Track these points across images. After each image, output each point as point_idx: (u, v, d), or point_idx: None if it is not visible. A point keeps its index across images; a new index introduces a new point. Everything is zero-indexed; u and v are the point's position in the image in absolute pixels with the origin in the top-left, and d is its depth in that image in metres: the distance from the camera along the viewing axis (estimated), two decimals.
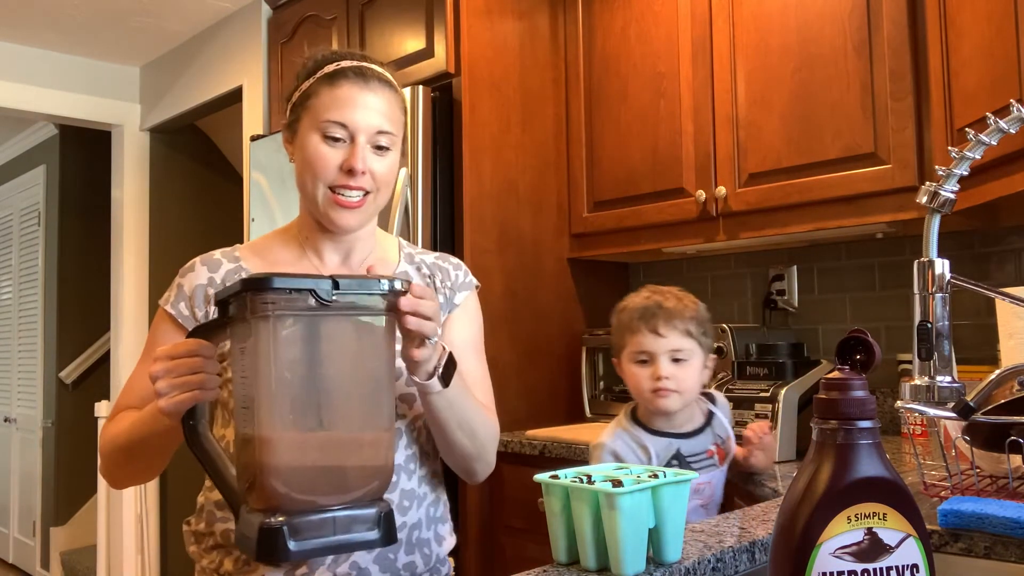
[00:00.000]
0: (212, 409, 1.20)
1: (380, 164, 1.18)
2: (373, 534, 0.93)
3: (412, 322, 0.93)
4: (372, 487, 0.94)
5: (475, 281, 1.36)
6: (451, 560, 1.30)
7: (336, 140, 1.16)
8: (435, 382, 1.07)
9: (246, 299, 0.89)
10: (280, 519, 0.87)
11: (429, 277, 1.30)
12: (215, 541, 1.19)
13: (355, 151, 1.15)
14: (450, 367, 1.08)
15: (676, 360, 1.54)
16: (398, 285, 0.95)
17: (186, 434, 0.99)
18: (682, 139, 2.35)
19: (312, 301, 0.88)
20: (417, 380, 1.07)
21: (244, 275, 1.21)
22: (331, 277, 0.90)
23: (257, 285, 0.87)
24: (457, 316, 1.30)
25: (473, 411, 1.18)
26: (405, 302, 0.93)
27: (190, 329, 1.18)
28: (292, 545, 0.87)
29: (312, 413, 0.91)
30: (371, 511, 0.93)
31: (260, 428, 0.88)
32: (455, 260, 1.36)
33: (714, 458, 1.61)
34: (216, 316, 0.96)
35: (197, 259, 1.25)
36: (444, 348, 1.09)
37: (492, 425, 1.25)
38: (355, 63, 1.19)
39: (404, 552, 1.17)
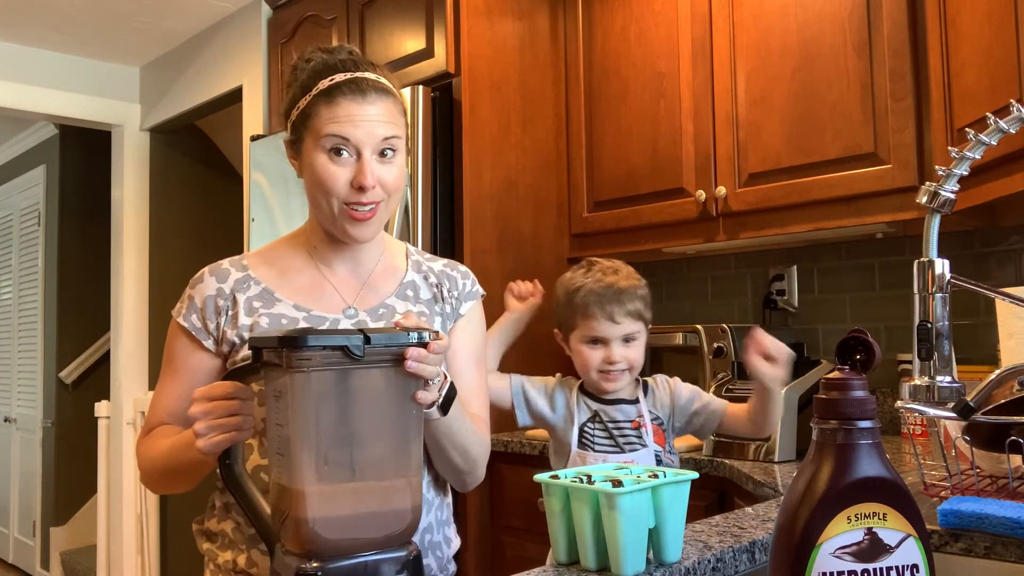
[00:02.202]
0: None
1: (388, 171, 1.17)
2: None
3: (412, 367, 0.95)
4: (402, 529, 0.97)
5: (481, 290, 1.36)
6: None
7: (341, 156, 1.15)
8: (435, 411, 1.08)
9: (281, 351, 0.91)
10: (315, 565, 0.91)
11: (437, 286, 1.30)
12: (228, 539, 1.20)
13: (362, 167, 1.14)
14: (450, 396, 1.09)
15: (627, 341, 1.60)
16: (427, 336, 0.97)
17: (222, 473, 1.02)
18: (682, 139, 2.35)
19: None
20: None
21: (253, 283, 1.22)
22: (363, 332, 0.92)
23: (292, 343, 0.90)
24: (462, 326, 1.30)
25: (468, 433, 1.19)
26: (413, 352, 0.95)
27: (204, 341, 1.20)
28: None
29: (345, 464, 0.94)
30: (401, 554, 0.96)
31: (295, 481, 0.91)
32: (463, 268, 1.36)
33: (640, 431, 1.61)
34: (251, 358, 0.99)
35: (206, 269, 1.25)
36: (446, 377, 1.09)
37: (485, 442, 1.26)
38: (350, 75, 1.16)
39: None
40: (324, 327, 1.18)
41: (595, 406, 1.64)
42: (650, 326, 1.69)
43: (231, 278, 1.23)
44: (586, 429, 1.62)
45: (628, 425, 1.63)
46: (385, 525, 0.95)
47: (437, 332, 1.00)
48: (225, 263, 1.26)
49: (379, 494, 0.95)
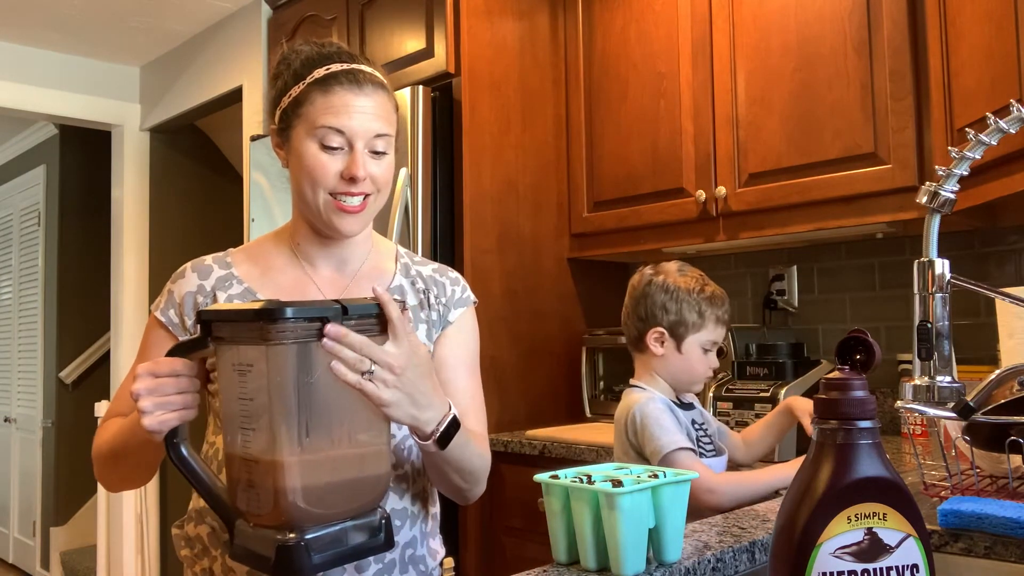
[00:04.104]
0: (206, 416, 1.19)
1: (378, 167, 1.15)
2: (379, 540, 0.97)
3: (328, 345, 0.90)
4: (374, 495, 0.98)
5: (473, 297, 1.32)
6: (450, 560, 1.30)
7: (334, 148, 1.13)
8: (431, 444, 1.05)
9: (256, 326, 0.90)
10: (294, 536, 0.90)
11: (423, 292, 1.26)
12: (203, 545, 1.19)
13: (355, 158, 1.13)
14: (451, 430, 1.05)
15: None
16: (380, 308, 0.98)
17: (170, 452, 0.99)
18: (682, 139, 2.35)
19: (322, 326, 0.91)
20: (416, 440, 1.06)
21: (236, 282, 1.20)
22: (340, 303, 0.92)
23: (271, 316, 0.88)
24: (451, 333, 1.26)
25: (469, 457, 1.13)
26: (331, 330, 0.90)
27: (180, 337, 1.17)
28: (315, 558, 0.91)
29: (324, 433, 0.94)
30: (374, 518, 0.98)
31: (276, 452, 0.90)
32: (454, 275, 1.32)
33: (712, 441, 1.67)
34: (199, 333, 0.96)
35: (188, 265, 1.23)
36: (450, 409, 1.06)
37: (485, 459, 1.21)
38: (346, 66, 1.15)
39: (399, 571, 1.16)
40: None
41: (690, 414, 1.65)
42: None
43: (213, 275, 1.21)
44: (698, 437, 1.63)
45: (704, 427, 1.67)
46: (362, 492, 0.96)
47: (404, 302, 1.00)
48: (208, 259, 1.23)
49: (355, 461, 0.96)
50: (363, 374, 0.93)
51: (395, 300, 0.98)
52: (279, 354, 0.89)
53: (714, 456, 1.61)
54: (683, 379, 1.63)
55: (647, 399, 1.59)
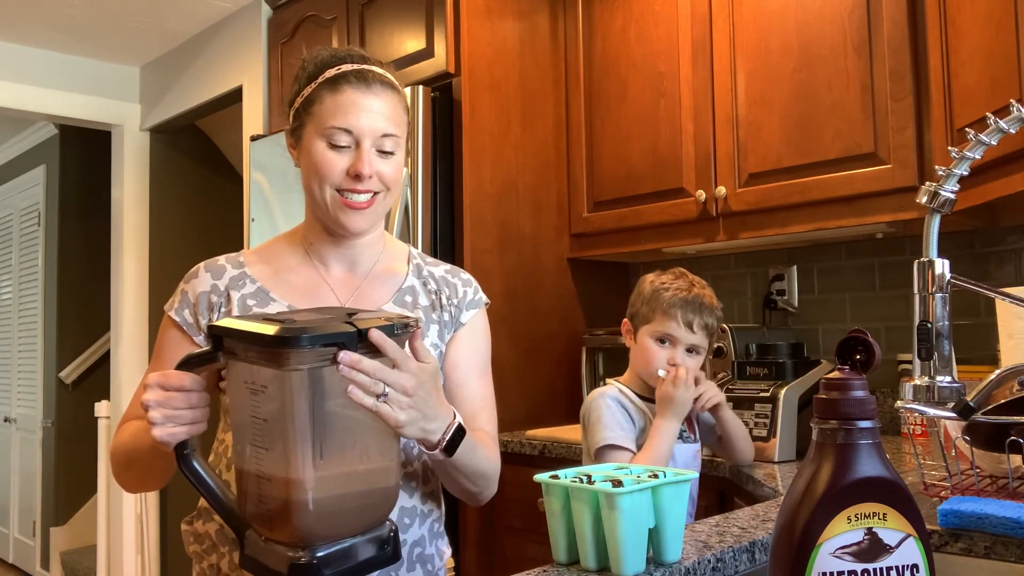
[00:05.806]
0: (217, 413, 1.19)
1: (386, 166, 1.17)
2: (387, 552, 0.99)
3: (345, 372, 0.91)
4: (384, 510, 0.99)
5: (485, 299, 1.33)
6: (450, 560, 1.30)
7: (341, 146, 1.15)
8: (438, 452, 1.06)
9: (271, 351, 0.89)
10: (306, 554, 0.91)
11: (435, 293, 1.27)
12: (212, 541, 1.19)
13: (361, 155, 1.14)
14: (457, 438, 1.07)
15: (689, 351, 1.66)
16: (411, 326, 0.99)
17: (180, 463, 0.99)
18: (682, 139, 2.35)
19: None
20: (423, 449, 1.07)
21: (249, 281, 1.20)
22: (354, 325, 0.92)
23: (287, 343, 0.87)
24: (463, 336, 1.27)
25: (477, 461, 1.15)
26: (344, 357, 0.90)
27: (195, 336, 1.18)
28: (327, 572, 0.92)
29: (337, 453, 0.94)
30: (382, 531, 0.98)
31: (290, 472, 0.90)
32: (466, 276, 1.33)
33: (684, 426, 1.70)
34: (210, 346, 0.95)
35: (201, 264, 1.24)
36: (455, 417, 1.07)
37: (494, 462, 1.22)
38: (356, 66, 1.17)
39: (406, 569, 1.17)
40: None
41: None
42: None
43: (226, 275, 1.21)
44: None
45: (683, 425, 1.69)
46: (372, 508, 0.97)
47: (417, 320, 1.01)
48: (221, 259, 1.24)
49: (366, 478, 0.97)
50: (378, 397, 0.94)
51: (406, 316, 0.99)
52: (294, 379, 0.89)
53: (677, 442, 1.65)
54: (640, 369, 1.69)
55: (599, 393, 1.67)
